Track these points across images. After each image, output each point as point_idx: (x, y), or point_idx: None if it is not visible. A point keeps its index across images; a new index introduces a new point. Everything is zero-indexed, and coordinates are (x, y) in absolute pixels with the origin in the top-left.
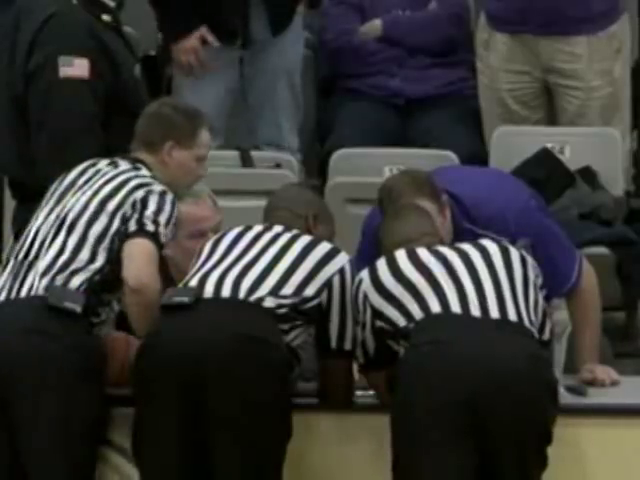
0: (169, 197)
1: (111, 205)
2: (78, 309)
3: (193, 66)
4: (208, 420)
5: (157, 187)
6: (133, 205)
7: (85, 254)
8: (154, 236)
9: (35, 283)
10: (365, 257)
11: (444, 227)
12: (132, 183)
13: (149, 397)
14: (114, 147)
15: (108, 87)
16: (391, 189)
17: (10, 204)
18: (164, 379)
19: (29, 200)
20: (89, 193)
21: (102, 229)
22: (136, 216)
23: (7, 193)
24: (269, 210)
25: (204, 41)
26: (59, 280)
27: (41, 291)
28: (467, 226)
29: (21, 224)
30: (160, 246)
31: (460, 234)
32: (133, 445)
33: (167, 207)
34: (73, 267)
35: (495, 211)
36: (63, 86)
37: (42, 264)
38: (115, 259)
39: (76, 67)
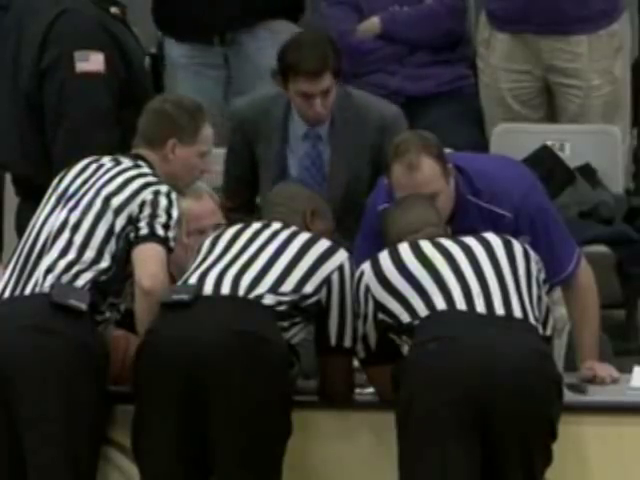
0: (174, 198)
1: (115, 202)
2: (83, 307)
3: None
4: (208, 418)
5: (163, 187)
6: (141, 206)
7: (90, 253)
8: (165, 242)
9: (39, 281)
10: (366, 236)
11: (447, 194)
12: (137, 182)
13: (149, 395)
14: (127, 140)
15: (121, 80)
16: (399, 144)
17: (10, 203)
18: (164, 377)
19: (33, 197)
20: (92, 192)
21: (108, 228)
22: (146, 219)
23: (7, 192)
24: (267, 206)
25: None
26: (64, 279)
27: (45, 289)
28: (472, 199)
29: (25, 221)
30: (170, 251)
31: (464, 207)
32: (133, 443)
33: (174, 211)
34: (78, 266)
35: (500, 185)
36: (80, 81)
37: (46, 262)
38: (120, 259)
39: (92, 62)
